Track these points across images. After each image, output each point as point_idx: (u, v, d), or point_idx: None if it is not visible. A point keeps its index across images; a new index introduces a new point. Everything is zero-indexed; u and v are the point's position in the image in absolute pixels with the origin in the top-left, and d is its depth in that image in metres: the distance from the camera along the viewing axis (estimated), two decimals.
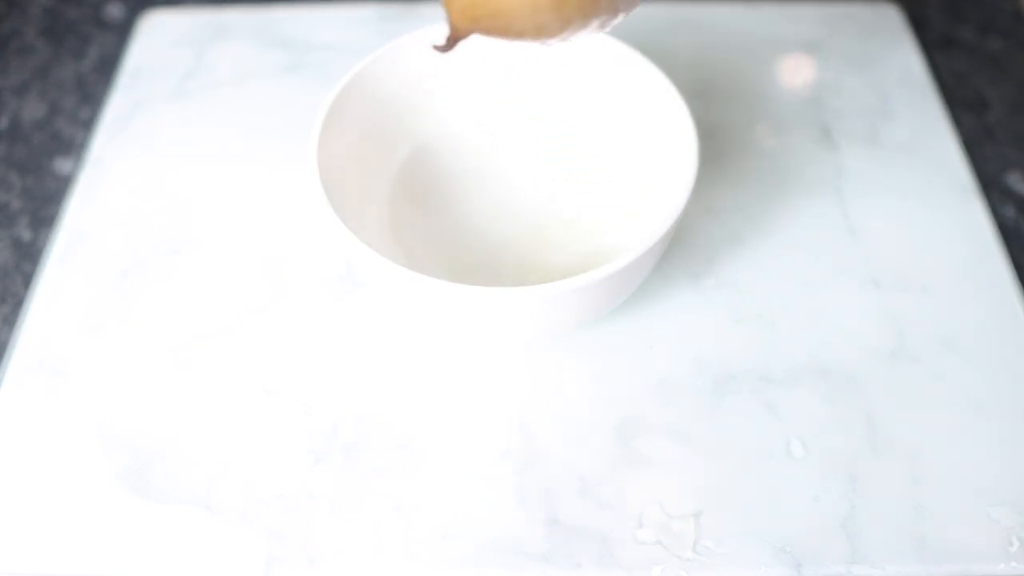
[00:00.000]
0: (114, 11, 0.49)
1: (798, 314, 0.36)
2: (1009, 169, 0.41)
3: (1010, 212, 0.40)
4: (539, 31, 0.24)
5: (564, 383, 0.34)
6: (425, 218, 0.37)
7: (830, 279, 0.37)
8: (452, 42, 0.25)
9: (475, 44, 0.30)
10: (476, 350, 0.35)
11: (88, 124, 0.43)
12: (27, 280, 0.38)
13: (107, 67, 0.46)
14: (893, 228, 0.38)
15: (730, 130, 0.42)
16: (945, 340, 0.35)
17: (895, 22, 0.46)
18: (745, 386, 0.34)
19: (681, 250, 0.37)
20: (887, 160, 0.41)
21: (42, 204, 0.40)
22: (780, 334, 0.35)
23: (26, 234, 0.39)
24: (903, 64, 0.44)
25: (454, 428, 0.33)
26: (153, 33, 0.46)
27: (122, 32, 0.47)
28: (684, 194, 0.31)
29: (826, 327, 0.35)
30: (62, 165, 0.42)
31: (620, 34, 0.34)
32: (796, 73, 0.44)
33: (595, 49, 0.36)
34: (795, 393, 0.33)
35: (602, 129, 0.38)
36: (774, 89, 0.43)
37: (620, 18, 0.25)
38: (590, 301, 0.31)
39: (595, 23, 0.24)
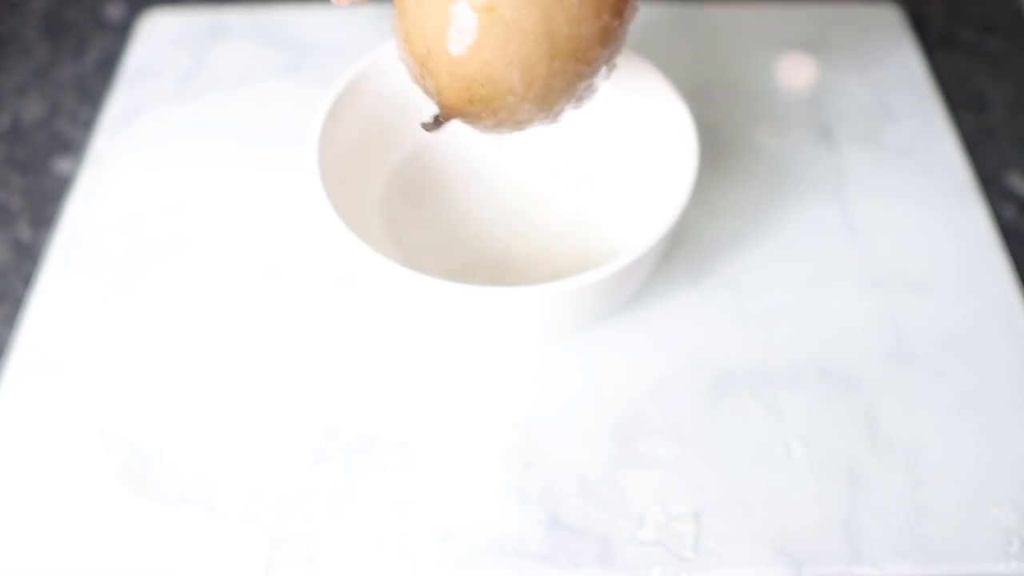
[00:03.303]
0: (114, 11, 0.49)
1: (798, 314, 0.36)
2: (1009, 169, 0.41)
3: (1010, 212, 0.40)
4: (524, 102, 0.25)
5: (564, 383, 0.34)
6: (425, 218, 0.37)
7: (830, 279, 0.37)
8: (442, 121, 0.24)
9: None
10: (476, 350, 0.35)
11: (88, 124, 0.43)
12: (27, 280, 0.38)
13: (107, 67, 0.46)
14: (893, 228, 0.38)
15: (730, 130, 0.42)
16: (945, 340, 0.35)
17: (895, 22, 0.46)
18: (745, 386, 0.34)
19: (681, 250, 0.37)
20: (887, 160, 0.41)
21: (42, 204, 0.40)
22: (780, 334, 0.35)
23: (26, 234, 0.39)
24: (903, 64, 0.44)
25: (454, 428, 0.33)
26: (153, 33, 0.46)
27: (122, 32, 0.47)
28: (684, 194, 0.31)
29: (826, 327, 0.35)
30: (62, 165, 0.42)
31: None
32: (796, 73, 0.44)
33: None
34: (795, 393, 0.33)
35: (602, 129, 0.38)
36: (774, 89, 0.43)
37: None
38: (590, 301, 0.31)
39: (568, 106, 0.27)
